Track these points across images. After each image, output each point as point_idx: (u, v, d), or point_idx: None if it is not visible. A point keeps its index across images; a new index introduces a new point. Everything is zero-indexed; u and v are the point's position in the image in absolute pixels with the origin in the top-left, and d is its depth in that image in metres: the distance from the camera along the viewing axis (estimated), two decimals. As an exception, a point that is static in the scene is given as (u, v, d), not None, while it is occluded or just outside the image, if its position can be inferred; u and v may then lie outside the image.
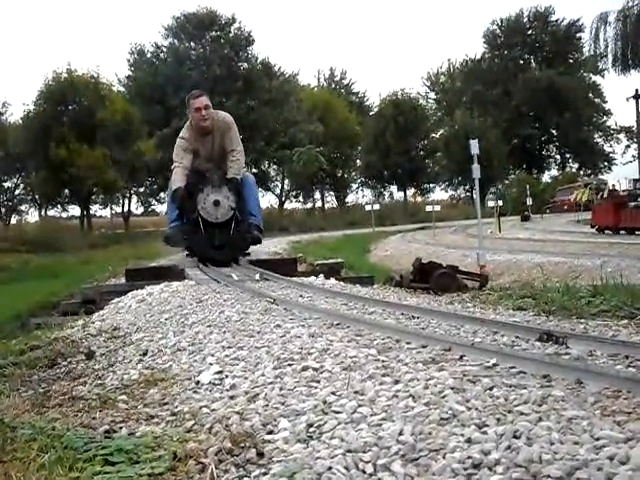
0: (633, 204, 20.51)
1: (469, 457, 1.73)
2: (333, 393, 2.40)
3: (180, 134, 8.96)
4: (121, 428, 2.40)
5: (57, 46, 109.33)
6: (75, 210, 51.98)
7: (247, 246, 8.97)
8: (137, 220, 55.85)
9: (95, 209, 53.87)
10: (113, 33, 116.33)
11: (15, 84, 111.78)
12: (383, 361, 2.76)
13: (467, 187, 60.78)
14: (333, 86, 70.59)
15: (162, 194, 51.75)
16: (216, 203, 8.31)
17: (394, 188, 66.94)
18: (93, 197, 50.25)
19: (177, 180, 8.51)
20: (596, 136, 69.19)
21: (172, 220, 9.18)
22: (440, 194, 69.30)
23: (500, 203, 31.14)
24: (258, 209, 9.30)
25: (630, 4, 16.72)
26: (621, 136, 66.18)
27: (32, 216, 56.78)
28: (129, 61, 56.79)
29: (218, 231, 8.38)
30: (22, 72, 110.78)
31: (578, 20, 66.54)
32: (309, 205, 63.02)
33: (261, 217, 9.22)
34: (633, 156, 56.31)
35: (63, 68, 46.14)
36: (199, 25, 54.62)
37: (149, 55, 56.32)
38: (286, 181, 58.86)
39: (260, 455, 1.96)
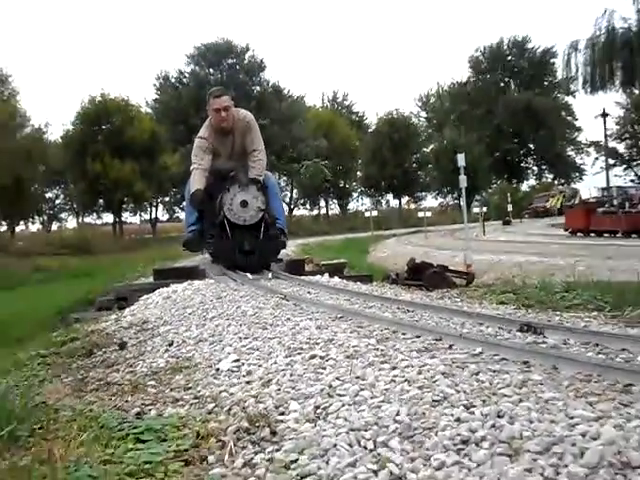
0: (601, 210, 20.54)
1: (458, 434, 1.73)
2: (337, 378, 2.40)
3: (199, 133, 7.80)
4: (150, 410, 2.40)
5: (92, 73, 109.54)
6: (108, 217, 52.19)
7: (278, 251, 7.56)
8: (163, 226, 55.87)
9: (126, 216, 53.95)
10: (142, 61, 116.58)
11: (55, 107, 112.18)
12: (382, 350, 2.76)
13: (455, 195, 60.68)
14: (336, 107, 70.55)
15: (185, 202, 51.81)
16: (244, 204, 6.95)
17: (390, 196, 67.03)
18: (124, 206, 50.36)
19: (196, 182, 7.35)
20: (568, 150, 69.30)
21: (190, 224, 8.03)
22: (431, 202, 69.39)
23: (484, 209, 31.09)
24: (282, 211, 8.18)
25: (597, 33, 16.76)
26: (591, 150, 66.16)
27: (70, 223, 57.08)
28: (156, 86, 57.05)
29: (246, 235, 6.99)
30: (61, 97, 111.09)
31: (552, 47, 66.63)
32: (315, 212, 63.17)
33: (284, 220, 7.98)
34: (601, 167, 56.40)
35: (97, 93, 46.47)
36: (217, 53, 54.79)
37: (173, 80, 56.49)
38: (295, 191, 58.94)
39: (273, 433, 1.96)
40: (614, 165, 58.16)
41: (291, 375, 2.55)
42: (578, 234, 19.46)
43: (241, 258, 6.97)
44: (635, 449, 1.48)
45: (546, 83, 68.60)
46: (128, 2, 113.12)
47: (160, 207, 57.23)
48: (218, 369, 2.86)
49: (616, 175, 56.51)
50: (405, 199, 66.72)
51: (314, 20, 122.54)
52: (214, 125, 7.56)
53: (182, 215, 54.63)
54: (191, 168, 7.62)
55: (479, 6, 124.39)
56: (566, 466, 1.47)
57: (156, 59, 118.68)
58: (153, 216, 55.78)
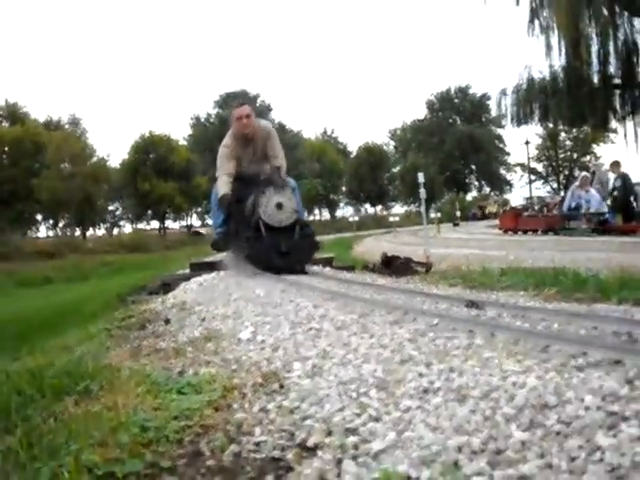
0: (526, 214, 20.70)
1: (420, 385, 1.73)
2: (329, 345, 2.40)
3: (223, 142, 6.60)
4: (189, 370, 2.41)
5: (142, 115, 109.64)
6: (155, 224, 52.35)
7: (313, 251, 6.09)
8: (197, 231, 55.98)
9: (168, 223, 54.12)
10: (180, 106, 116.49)
11: (114, 142, 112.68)
12: (362, 323, 2.77)
13: (416, 204, 60.63)
14: (326, 138, 70.58)
15: (212, 207, 52.39)
16: (279, 206, 5.67)
17: (368, 205, 67.12)
18: (167, 215, 50.50)
19: (222, 187, 6.27)
20: (501, 169, 69.74)
21: (218, 226, 6.93)
22: (398, 209, 69.48)
23: (439, 214, 31.10)
24: (303, 213, 7.09)
25: (520, 82, 17.08)
26: (517, 169, 66.67)
27: (127, 229, 57.32)
28: (190, 124, 57.20)
29: (282, 236, 5.65)
30: (119, 134, 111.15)
31: (487, 93, 67.15)
32: (311, 218, 63.20)
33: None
34: (525, 182, 56.79)
35: (146, 130, 46.79)
36: (236, 99, 54.86)
37: (203, 120, 56.66)
38: (295, 202, 59.09)
39: (281, 387, 1.97)
40: (535, 180, 58.61)
41: (294, 342, 2.55)
42: (509, 232, 19.43)
43: (278, 259, 5.56)
44: (551, 394, 1.49)
45: (483, 119, 69.02)
46: (168, 62, 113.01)
47: (194, 216, 57.55)
48: (239, 338, 2.86)
49: (537, 188, 57.12)
50: (379, 207, 66.85)
51: (308, 72, 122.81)
52: (236, 133, 6.45)
53: (211, 221, 54.87)
54: (217, 174, 6.49)
55: (434, 62, 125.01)
56: (501, 408, 1.48)
57: (190, 104, 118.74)
58: (189, 223, 55.97)
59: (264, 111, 55.27)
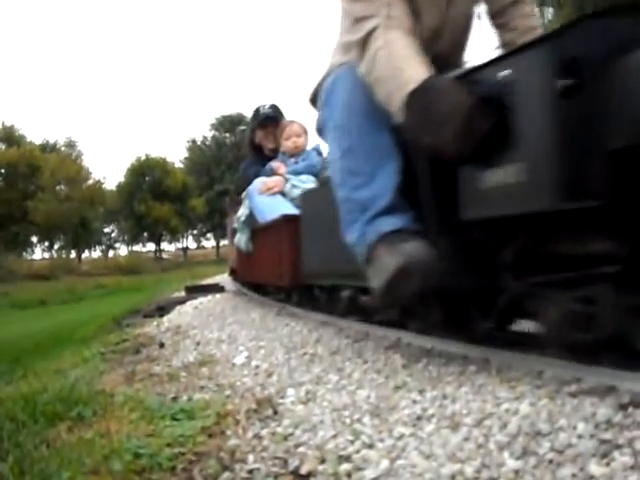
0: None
1: (414, 412, 1.73)
2: (323, 370, 2.40)
3: None
4: (183, 395, 2.39)
5: (138, 138, 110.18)
6: (151, 246, 52.37)
7: None
8: (192, 253, 55.92)
9: (164, 246, 54.15)
10: (176, 129, 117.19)
11: (110, 164, 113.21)
12: (357, 348, 2.76)
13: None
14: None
15: (208, 234, 52.69)
16: None
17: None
18: (163, 237, 50.53)
19: (408, 61, 1.58)
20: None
21: (383, 209, 2.02)
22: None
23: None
24: None
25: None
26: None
27: (122, 251, 57.35)
28: (186, 147, 57.41)
29: None
30: (115, 156, 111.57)
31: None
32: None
33: None
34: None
35: (142, 153, 47.15)
36: (232, 122, 55.21)
37: (199, 143, 56.81)
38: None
39: (275, 413, 1.96)
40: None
41: (288, 368, 2.54)
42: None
43: None
44: (544, 421, 1.49)
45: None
46: (164, 85, 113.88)
47: (190, 238, 57.57)
48: (234, 364, 2.85)
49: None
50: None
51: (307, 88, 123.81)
52: None
53: (206, 244, 54.73)
54: (360, 34, 1.83)
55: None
56: (494, 435, 1.48)
57: (186, 127, 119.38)
58: (185, 245, 55.96)
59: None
